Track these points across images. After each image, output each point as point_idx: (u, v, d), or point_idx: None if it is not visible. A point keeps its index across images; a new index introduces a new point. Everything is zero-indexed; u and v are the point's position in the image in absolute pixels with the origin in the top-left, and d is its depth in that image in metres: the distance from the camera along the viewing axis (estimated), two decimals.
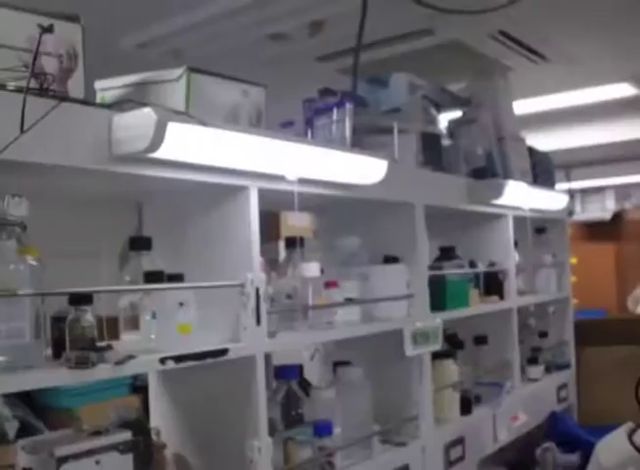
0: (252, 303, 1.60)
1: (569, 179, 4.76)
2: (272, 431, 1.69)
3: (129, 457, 1.49)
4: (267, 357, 1.70)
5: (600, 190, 5.37)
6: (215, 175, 1.53)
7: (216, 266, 1.65)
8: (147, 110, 1.27)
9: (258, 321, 1.61)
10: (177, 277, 1.52)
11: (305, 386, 1.96)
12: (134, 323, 1.59)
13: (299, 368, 1.89)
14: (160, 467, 1.71)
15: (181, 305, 1.50)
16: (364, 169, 1.86)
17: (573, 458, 2.80)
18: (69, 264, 1.91)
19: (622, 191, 6.21)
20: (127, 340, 1.58)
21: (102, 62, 1.46)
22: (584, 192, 5.29)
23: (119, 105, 1.35)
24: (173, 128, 1.27)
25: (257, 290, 1.61)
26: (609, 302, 4.97)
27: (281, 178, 1.66)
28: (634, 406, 2.16)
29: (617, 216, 5.36)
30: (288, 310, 1.77)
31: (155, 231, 1.69)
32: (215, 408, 1.70)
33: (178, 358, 1.44)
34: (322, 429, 1.85)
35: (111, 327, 1.52)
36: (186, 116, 1.32)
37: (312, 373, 2.22)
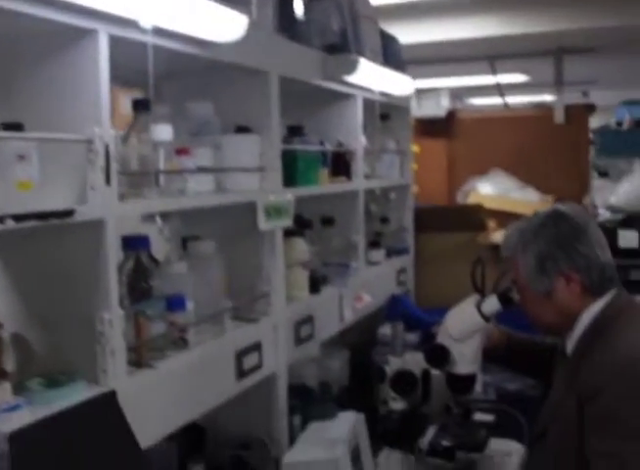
0: (101, 160, 1.45)
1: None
2: (120, 305, 1.58)
3: None
4: None
5: (435, 90, 5.46)
6: (62, 13, 1.34)
7: (60, 121, 1.47)
8: None
9: (108, 181, 1.47)
10: (16, 127, 1.34)
11: (154, 262, 1.84)
12: None
13: (149, 239, 1.76)
14: None
15: (21, 158, 1.32)
16: (223, 23, 1.72)
17: (413, 337, 2.89)
18: None
19: (456, 92, 6.38)
20: None
21: None
22: (420, 91, 5.34)
23: None
24: None
25: (107, 147, 1.46)
26: (440, 196, 5.13)
27: (134, 25, 1.50)
28: (468, 290, 2.23)
29: (451, 115, 5.48)
30: (138, 175, 1.63)
31: None
32: (59, 280, 1.55)
33: (19, 217, 1.28)
34: (174, 303, 1.76)
35: None
36: None
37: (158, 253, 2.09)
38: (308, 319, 2.36)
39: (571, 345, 1.97)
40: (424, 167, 4.51)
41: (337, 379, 2.82)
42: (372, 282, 2.95)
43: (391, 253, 3.26)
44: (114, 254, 1.51)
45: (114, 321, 1.51)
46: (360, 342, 3.04)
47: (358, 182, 2.80)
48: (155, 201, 1.64)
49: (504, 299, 2.09)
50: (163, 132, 1.69)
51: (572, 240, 1.91)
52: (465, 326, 2.13)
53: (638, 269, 5.71)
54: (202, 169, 1.83)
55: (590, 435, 1.79)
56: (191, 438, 2.17)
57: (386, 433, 2.25)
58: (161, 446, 2.05)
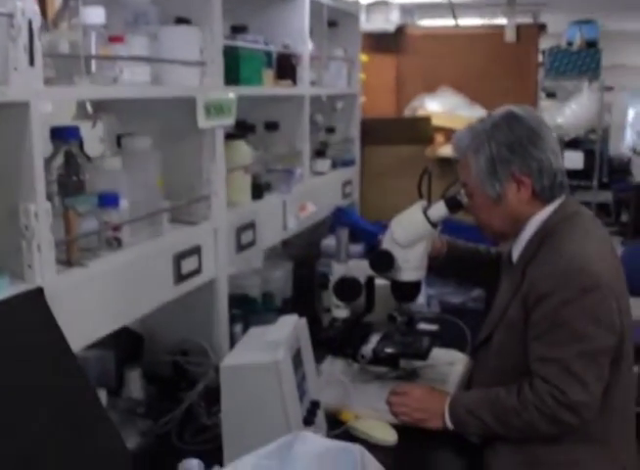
0: (25, 38, 1.33)
1: None
2: (50, 200, 1.47)
3: None
4: None
5: (385, 3, 5.31)
6: None
7: None
8: None
9: (32, 62, 1.35)
10: None
11: (87, 157, 1.73)
12: None
13: (79, 130, 1.65)
14: None
15: None
16: None
17: (358, 248, 2.84)
18: None
19: (407, 7, 6.22)
20: None
21: None
22: (370, 5, 5.19)
23: None
24: None
25: (30, 23, 1.33)
26: (388, 112, 5.03)
27: None
28: (414, 203, 2.17)
29: (400, 31, 5.34)
30: (67, 59, 1.51)
31: None
32: None
33: None
34: (107, 200, 1.66)
35: None
36: None
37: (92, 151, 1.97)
38: (250, 225, 2.28)
39: (517, 251, 1.95)
40: (372, 84, 4.41)
41: (280, 290, 2.77)
42: (316, 192, 2.87)
43: (337, 164, 3.19)
44: (39, 140, 1.39)
45: (39, 214, 1.41)
46: (304, 254, 2.99)
47: (304, 88, 2.69)
48: (84, 87, 1.53)
49: (452, 203, 2.04)
50: (94, 15, 1.56)
51: (526, 143, 1.85)
52: (411, 232, 2.08)
53: (583, 190, 5.80)
54: (137, 58, 1.71)
55: (534, 340, 1.78)
56: (128, 345, 2.11)
57: (329, 340, 2.22)
58: (98, 353, 1.99)
